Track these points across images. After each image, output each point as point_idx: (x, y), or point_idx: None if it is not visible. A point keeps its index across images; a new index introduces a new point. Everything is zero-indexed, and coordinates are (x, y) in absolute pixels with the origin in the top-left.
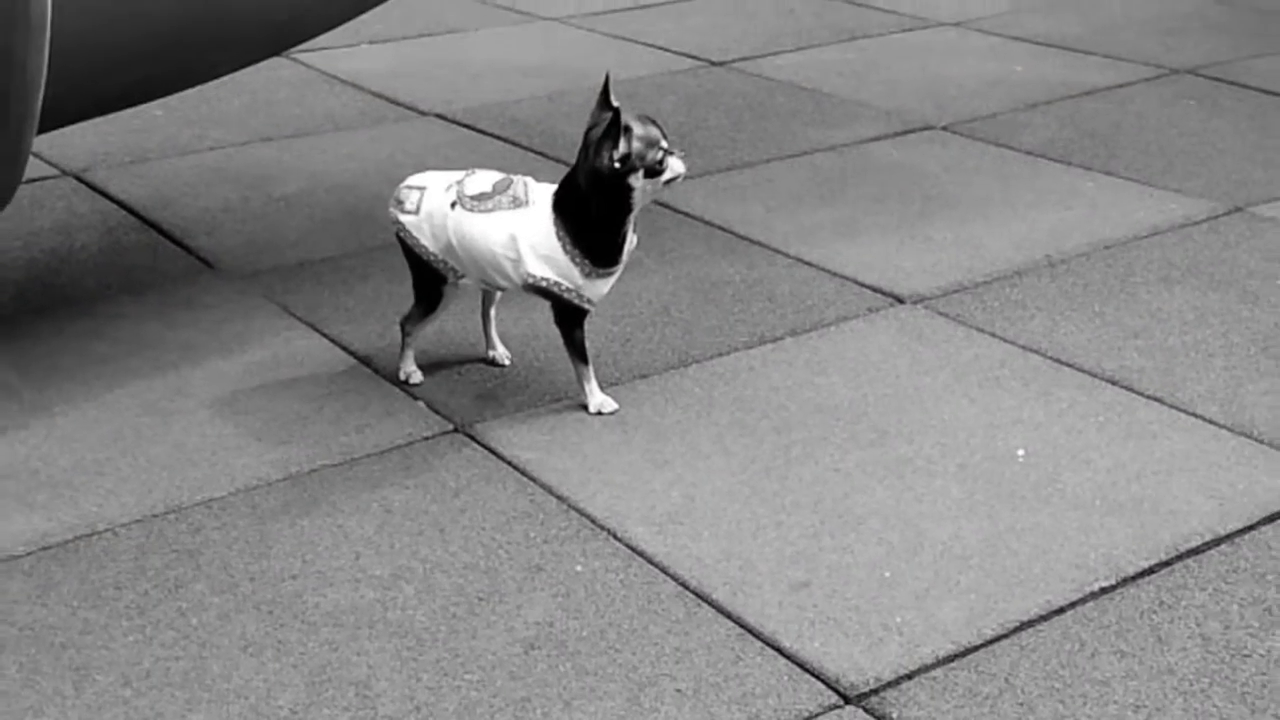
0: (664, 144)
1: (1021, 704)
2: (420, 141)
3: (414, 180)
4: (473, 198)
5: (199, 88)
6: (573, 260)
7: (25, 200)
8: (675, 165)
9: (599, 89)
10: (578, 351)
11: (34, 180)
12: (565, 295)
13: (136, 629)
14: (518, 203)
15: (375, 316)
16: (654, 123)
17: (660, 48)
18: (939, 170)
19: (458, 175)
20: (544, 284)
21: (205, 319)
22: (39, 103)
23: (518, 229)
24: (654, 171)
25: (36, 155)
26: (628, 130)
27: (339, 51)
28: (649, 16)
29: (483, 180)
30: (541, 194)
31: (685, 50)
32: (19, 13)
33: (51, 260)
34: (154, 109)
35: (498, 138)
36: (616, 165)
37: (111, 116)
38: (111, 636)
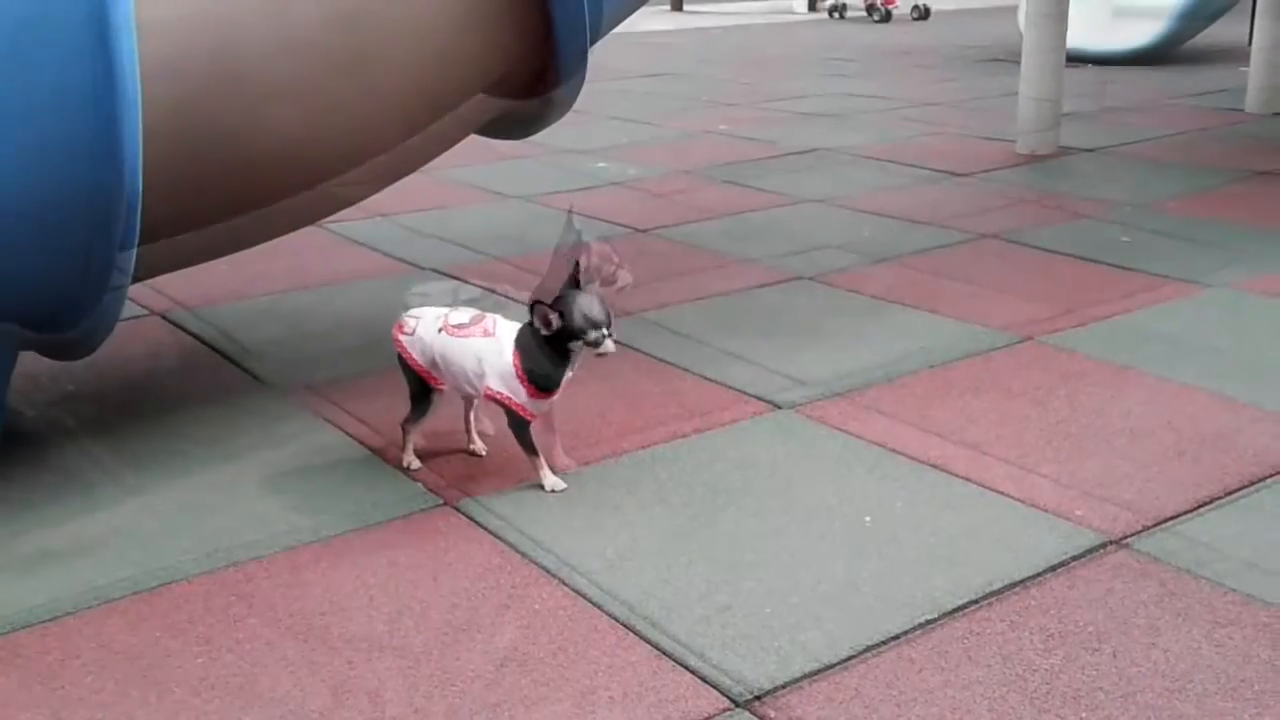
0: (605, 329)
1: (866, 707)
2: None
3: (412, 312)
4: (454, 326)
5: (253, 248)
6: (521, 384)
7: (123, 333)
8: (608, 345)
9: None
10: (527, 447)
11: (129, 319)
12: (513, 408)
13: (204, 652)
14: (487, 334)
15: (385, 420)
16: (601, 303)
17: (601, 219)
18: (807, 310)
19: (444, 310)
20: (498, 396)
21: (258, 422)
22: (132, 261)
23: (484, 354)
24: (591, 343)
25: (131, 299)
26: (573, 307)
27: (358, 223)
28: (592, 195)
29: (462, 315)
30: (506, 329)
31: (620, 221)
32: (117, 192)
33: (142, 378)
34: (219, 265)
35: (478, 286)
36: (552, 331)
37: (186, 270)
38: (185, 658)
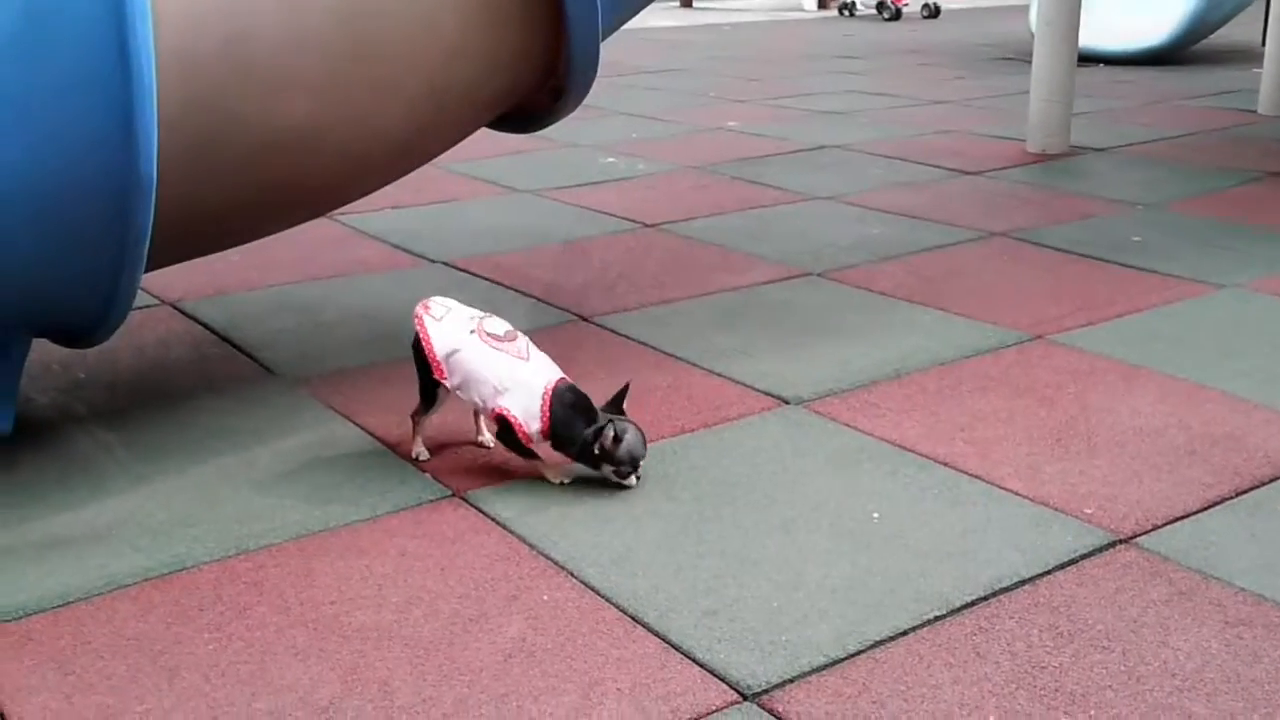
0: (638, 470)
1: (874, 702)
2: (430, 283)
3: (442, 300)
4: (489, 334)
5: (264, 239)
6: (541, 423)
7: (135, 323)
8: (630, 481)
9: (617, 395)
10: (523, 454)
11: (141, 308)
12: (518, 432)
13: (214, 639)
14: (520, 357)
15: (395, 412)
16: (644, 442)
17: (608, 214)
18: (815, 306)
19: (478, 313)
20: (508, 416)
21: (268, 412)
22: (145, 250)
23: (513, 376)
24: (619, 476)
25: (143, 289)
26: (625, 441)
27: (369, 215)
28: (599, 190)
29: (497, 325)
30: (539, 359)
31: (627, 215)
32: (132, 180)
33: (154, 368)
34: (231, 255)
35: (487, 279)
36: (595, 450)
37: (198, 260)
38: (196, 645)
